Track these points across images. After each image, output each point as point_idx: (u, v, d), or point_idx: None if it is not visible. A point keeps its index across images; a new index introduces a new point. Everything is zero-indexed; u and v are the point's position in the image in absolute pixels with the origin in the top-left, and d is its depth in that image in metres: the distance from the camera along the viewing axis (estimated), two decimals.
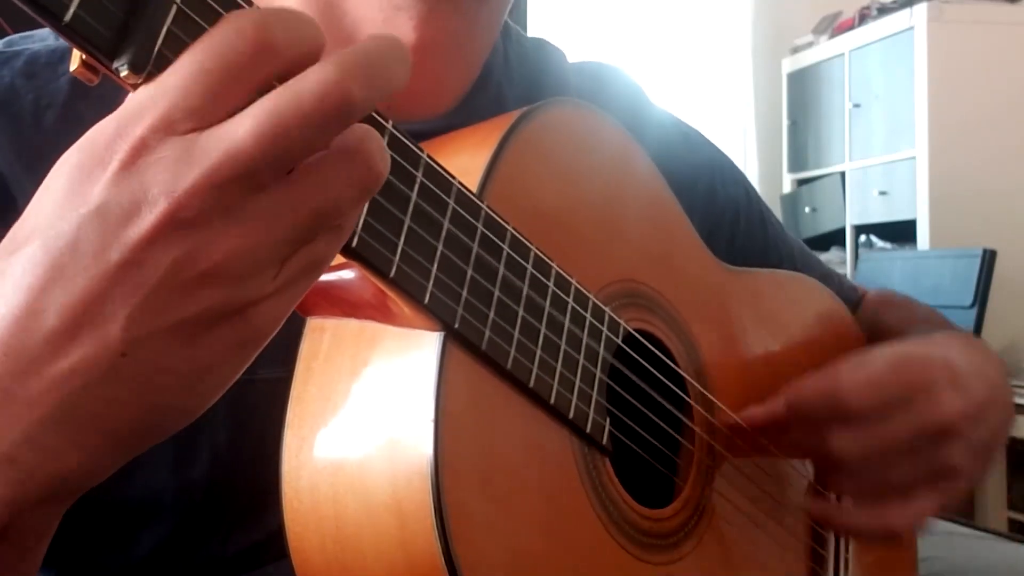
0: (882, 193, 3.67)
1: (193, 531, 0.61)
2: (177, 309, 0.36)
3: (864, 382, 0.67)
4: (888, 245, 3.65)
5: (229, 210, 0.36)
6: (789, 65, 4.24)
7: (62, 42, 0.66)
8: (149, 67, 0.37)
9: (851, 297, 0.94)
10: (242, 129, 0.36)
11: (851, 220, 3.84)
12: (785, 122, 4.25)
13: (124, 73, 0.36)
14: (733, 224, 0.88)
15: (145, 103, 0.36)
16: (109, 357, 0.36)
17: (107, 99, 0.65)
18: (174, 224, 0.35)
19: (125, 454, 0.39)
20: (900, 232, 3.58)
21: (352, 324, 0.52)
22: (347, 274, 0.50)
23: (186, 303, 0.36)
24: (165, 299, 0.36)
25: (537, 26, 3.56)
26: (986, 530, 1.70)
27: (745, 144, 4.24)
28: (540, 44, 0.82)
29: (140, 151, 0.36)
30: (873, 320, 0.91)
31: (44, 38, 0.66)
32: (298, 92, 0.37)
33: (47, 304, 0.36)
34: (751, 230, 0.90)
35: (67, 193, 0.36)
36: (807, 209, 4.04)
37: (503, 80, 0.76)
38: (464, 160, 0.56)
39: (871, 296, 0.98)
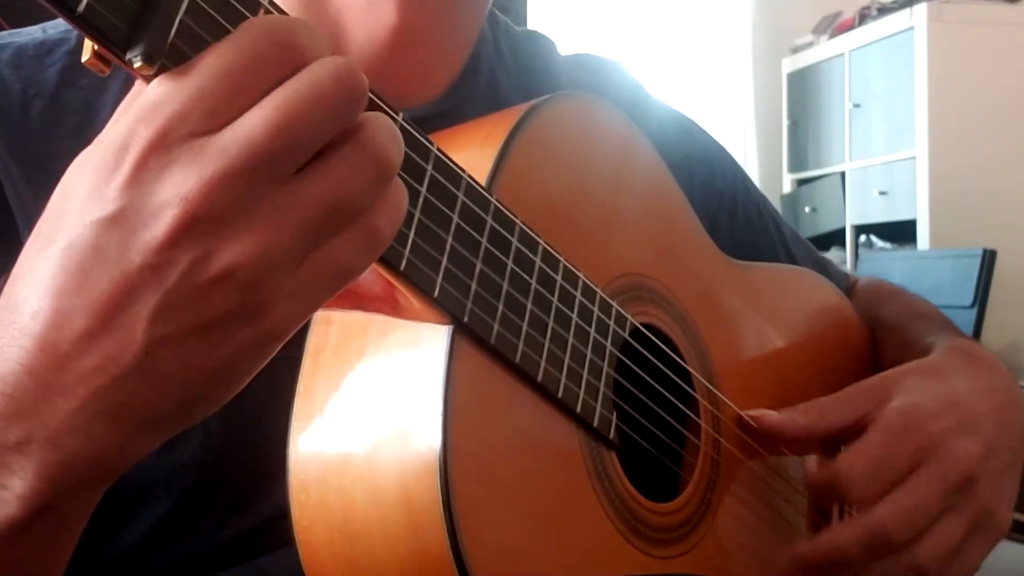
0: (882, 193, 3.67)
1: (186, 514, 0.62)
2: (196, 310, 0.37)
3: (868, 468, 0.65)
4: (888, 245, 3.65)
5: (244, 208, 0.37)
6: (789, 65, 4.24)
7: (50, 36, 0.66)
8: (163, 58, 0.37)
9: (843, 285, 0.94)
10: (259, 121, 0.37)
11: (851, 220, 3.84)
12: (785, 122, 4.26)
13: (138, 64, 0.37)
14: (731, 214, 0.88)
15: (159, 102, 0.37)
16: (134, 356, 0.37)
17: (94, 88, 0.66)
18: (190, 225, 0.36)
19: (159, 437, 0.41)
20: (900, 232, 3.58)
21: (359, 317, 0.52)
22: None
23: (204, 304, 0.37)
24: (184, 300, 0.37)
25: (536, 26, 3.56)
26: None
27: (745, 144, 4.25)
28: (529, 34, 0.82)
29: (153, 152, 0.36)
30: (869, 314, 0.90)
31: (31, 33, 0.67)
32: (313, 79, 0.38)
33: (75, 306, 0.37)
34: (748, 220, 0.90)
35: (86, 196, 0.37)
36: (807, 209, 4.04)
37: (495, 68, 0.76)
38: (471, 154, 0.55)
39: (862, 286, 0.97)
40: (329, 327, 0.53)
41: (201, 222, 0.36)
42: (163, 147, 0.36)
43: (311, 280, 0.39)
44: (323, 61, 0.38)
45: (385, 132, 0.40)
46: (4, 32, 0.67)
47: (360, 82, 0.39)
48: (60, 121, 0.62)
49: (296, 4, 0.67)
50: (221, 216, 0.36)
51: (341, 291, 0.51)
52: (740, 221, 0.89)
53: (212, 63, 0.37)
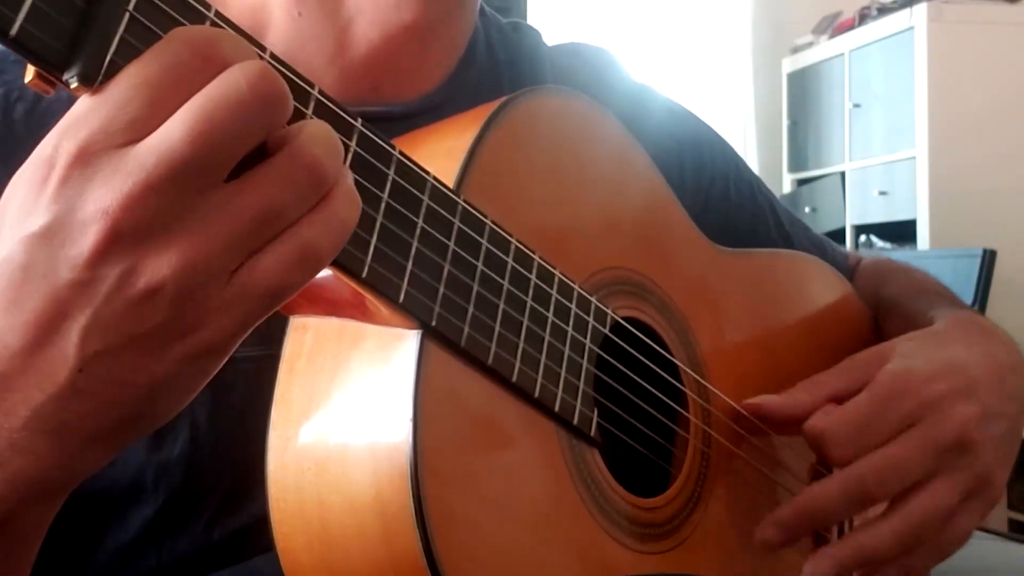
0: (882, 193, 3.66)
1: (176, 514, 0.62)
2: (127, 326, 0.37)
3: (853, 428, 0.64)
4: (888, 245, 3.64)
5: (169, 220, 0.36)
6: (789, 65, 4.24)
7: None
8: (100, 77, 0.36)
9: (842, 265, 0.93)
10: (176, 131, 0.36)
11: (851, 220, 3.84)
12: (785, 122, 4.25)
13: (74, 85, 0.36)
14: (724, 198, 0.87)
15: (82, 116, 0.37)
16: (67, 373, 0.37)
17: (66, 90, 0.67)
18: (114, 240, 0.36)
19: (106, 454, 0.40)
20: (900, 232, 3.57)
21: (334, 323, 0.52)
22: (324, 273, 0.50)
23: (134, 320, 0.37)
24: (114, 316, 0.37)
25: (536, 25, 3.55)
26: (986, 530, 1.69)
27: (745, 144, 4.24)
28: (514, 24, 0.83)
29: (76, 165, 0.36)
30: (873, 292, 0.90)
31: None
32: (229, 83, 0.37)
33: (9, 324, 0.37)
34: (742, 203, 0.89)
35: (18, 213, 0.37)
36: (807, 209, 4.03)
37: (486, 59, 0.76)
38: (445, 153, 0.55)
39: (867, 265, 0.96)
40: (305, 334, 0.53)
41: (125, 236, 0.36)
42: (85, 159, 0.36)
43: (241, 294, 0.38)
44: (236, 67, 0.37)
45: (318, 141, 0.39)
46: None
47: (277, 85, 0.38)
48: (43, 124, 0.61)
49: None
50: (145, 230, 0.36)
51: (312, 297, 0.51)
52: (733, 205, 0.88)
53: (134, 73, 0.37)
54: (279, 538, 0.51)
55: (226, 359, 0.40)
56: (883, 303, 0.88)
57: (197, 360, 0.39)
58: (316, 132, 0.39)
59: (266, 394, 0.52)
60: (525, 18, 2.69)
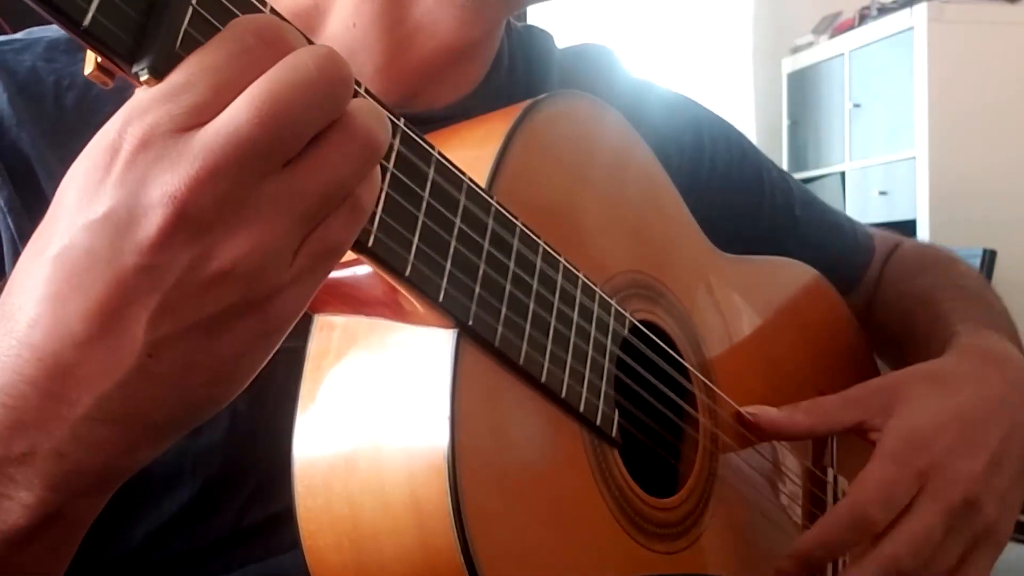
0: (882, 193, 3.67)
1: (210, 499, 0.62)
2: (197, 309, 0.37)
3: (882, 495, 0.65)
4: None
5: (237, 202, 0.36)
6: (789, 65, 4.24)
7: None
8: (168, 71, 0.36)
9: (864, 245, 0.95)
10: (242, 112, 0.36)
11: None
12: (785, 122, 4.26)
13: (144, 77, 0.36)
14: (723, 179, 0.87)
15: (147, 101, 0.36)
16: (136, 358, 0.37)
17: (127, 80, 0.67)
18: (181, 224, 0.36)
19: (165, 442, 0.40)
20: (900, 232, 3.56)
21: (362, 321, 0.52)
22: (357, 271, 0.50)
23: (205, 303, 0.37)
24: (183, 300, 0.36)
25: (536, 24, 3.55)
26: None
27: None
28: (529, 29, 0.83)
29: (141, 150, 0.36)
30: (910, 279, 0.91)
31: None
32: (297, 65, 0.37)
33: (71, 312, 0.36)
34: (744, 185, 0.89)
35: (78, 199, 0.37)
36: None
37: (507, 69, 0.77)
38: (470, 154, 0.55)
39: (909, 250, 0.97)
40: (332, 332, 0.53)
41: (192, 220, 0.36)
42: (150, 144, 0.36)
43: (308, 264, 0.39)
44: (303, 49, 0.37)
45: (372, 115, 0.39)
46: (35, 28, 0.67)
47: (344, 67, 0.38)
48: (94, 112, 0.62)
49: (376, 8, 0.67)
50: (213, 213, 0.36)
51: (342, 296, 0.51)
52: (733, 186, 0.88)
53: (199, 59, 0.36)
54: (305, 536, 0.51)
55: (287, 334, 0.40)
56: (917, 294, 0.88)
57: (264, 338, 0.39)
58: (368, 107, 0.40)
59: (300, 383, 0.52)
60: (525, 17, 2.69)
